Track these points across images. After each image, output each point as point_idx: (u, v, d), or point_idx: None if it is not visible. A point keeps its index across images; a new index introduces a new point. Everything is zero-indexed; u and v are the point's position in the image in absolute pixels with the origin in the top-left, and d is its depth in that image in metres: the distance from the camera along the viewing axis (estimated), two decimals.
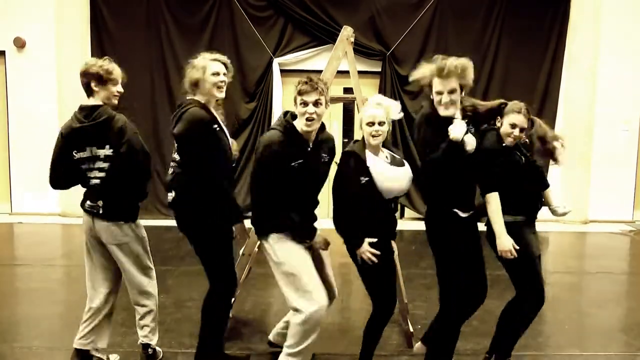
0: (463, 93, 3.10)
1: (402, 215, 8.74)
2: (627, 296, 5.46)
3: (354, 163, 3.07)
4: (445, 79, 3.01)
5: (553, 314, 4.71)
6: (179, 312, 4.49)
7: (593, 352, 3.96)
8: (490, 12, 8.61)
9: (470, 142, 2.97)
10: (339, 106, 8.77)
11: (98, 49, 8.33)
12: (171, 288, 5.16)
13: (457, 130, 2.94)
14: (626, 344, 4.12)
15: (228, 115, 3.43)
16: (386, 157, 3.19)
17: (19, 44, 8.34)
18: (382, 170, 3.06)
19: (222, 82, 3.16)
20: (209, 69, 3.13)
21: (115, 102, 3.20)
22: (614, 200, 8.88)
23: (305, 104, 3.02)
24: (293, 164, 3.04)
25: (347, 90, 7.99)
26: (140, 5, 8.41)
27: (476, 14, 8.60)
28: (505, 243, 3.10)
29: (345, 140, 8.98)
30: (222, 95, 3.19)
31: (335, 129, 8.85)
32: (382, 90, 8.57)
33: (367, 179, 3.02)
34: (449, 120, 3.02)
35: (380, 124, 3.08)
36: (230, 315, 4.27)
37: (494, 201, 3.12)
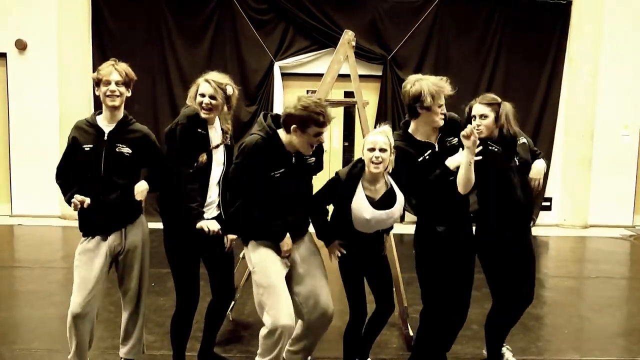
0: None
1: (402, 220, 8.73)
2: (627, 301, 5.46)
3: (342, 187, 3.04)
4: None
5: (553, 318, 4.71)
6: None
7: (592, 356, 3.95)
8: (491, 16, 8.62)
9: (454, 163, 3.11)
10: (340, 110, 8.77)
11: (99, 52, 8.34)
12: (171, 290, 5.11)
13: (456, 160, 3.09)
14: (626, 348, 4.12)
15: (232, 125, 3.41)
16: (385, 187, 3.11)
17: (21, 46, 8.35)
18: (364, 212, 2.98)
19: (205, 104, 3.11)
20: (199, 89, 3.16)
21: (110, 103, 3.04)
22: (614, 205, 8.87)
23: (319, 134, 2.94)
24: (273, 173, 2.95)
25: (348, 94, 8.01)
26: (142, 8, 8.42)
27: (477, 19, 8.61)
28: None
29: (346, 144, 9.00)
30: (207, 116, 3.13)
31: (335, 133, 8.87)
32: (383, 94, 8.59)
33: (346, 205, 3.02)
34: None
35: (382, 150, 3.00)
36: (230, 318, 4.30)
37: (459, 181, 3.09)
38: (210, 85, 3.14)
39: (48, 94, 8.27)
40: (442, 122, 3.17)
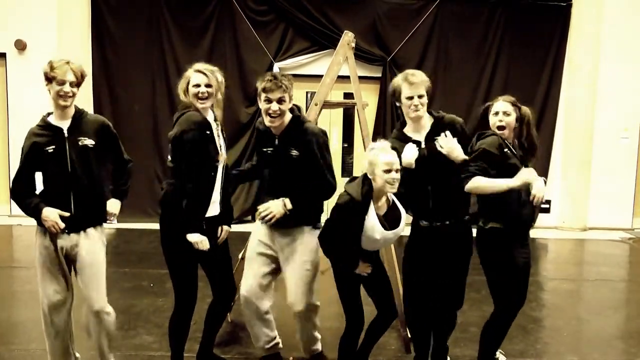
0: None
1: None
2: (625, 304, 5.46)
3: (352, 212, 3.00)
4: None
5: (552, 320, 4.71)
6: None
7: (591, 359, 3.95)
8: (491, 18, 8.63)
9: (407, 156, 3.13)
10: (339, 111, 8.78)
11: (99, 52, 8.34)
12: (170, 291, 5.11)
13: (408, 155, 3.14)
14: (624, 351, 4.12)
15: (226, 122, 3.47)
16: (387, 202, 3.11)
17: (20, 46, 8.35)
18: (372, 232, 2.99)
19: (202, 93, 3.16)
20: (191, 81, 3.20)
21: (62, 103, 3.04)
22: (613, 208, 8.87)
23: (269, 100, 3.13)
24: (265, 149, 3.31)
25: (348, 95, 8.00)
26: (142, 8, 8.41)
27: (477, 20, 8.62)
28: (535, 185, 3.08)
29: (345, 145, 8.99)
30: (204, 105, 3.18)
31: (334, 135, 8.87)
32: (383, 96, 8.59)
33: (358, 226, 3.00)
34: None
35: (397, 171, 2.98)
36: (229, 319, 4.29)
37: (478, 182, 3.07)
38: (204, 75, 3.17)
39: (47, 94, 8.22)
40: (415, 115, 3.20)
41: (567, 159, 8.79)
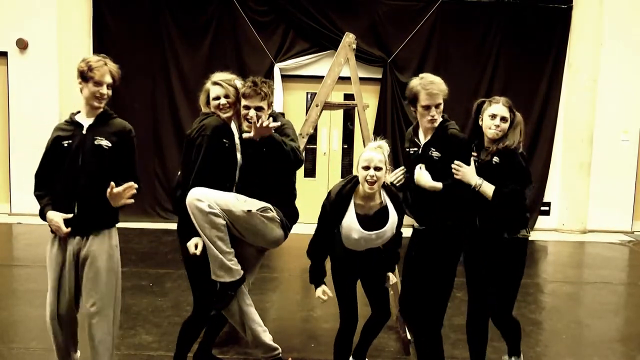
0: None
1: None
2: (625, 307, 5.46)
3: (330, 206, 3.01)
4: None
5: (551, 323, 4.71)
6: (177, 316, 4.48)
7: None
8: (491, 20, 8.64)
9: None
10: (340, 113, 8.79)
11: (100, 51, 8.20)
12: (169, 291, 5.16)
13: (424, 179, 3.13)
14: (624, 354, 4.12)
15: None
16: (379, 204, 3.05)
17: (22, 45, 8.36)
18: (352, 233, 2.97)
19: (223, 105, 3.21)
20: (210, 94, 3.26)
21: (97, 104, 2.97)
22: (613, 211, 8.88)
23: (247, 107, 3.12)
24: (225, 141, 3.16)
25: (348, 96, 8.02)
26: (143, 8, 8.43)
27: (477, 22, 8.63)
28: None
29: (345, 146, 9.00)
30: (227, 115, 3.23)
31: (335, 136, 8.88)
32: (383, 97, 8.60)
33: (335, 230, 3.02)
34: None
35: (377, 169, 2.91)
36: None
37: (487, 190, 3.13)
38: (221, 87, 3.23)
39: (48, 93, 8.28)
40: (430, 125, 3.18)
41: (567, 161, 8.80)
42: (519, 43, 8.63)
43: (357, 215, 2.99)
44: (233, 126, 3.29)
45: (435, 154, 3.15)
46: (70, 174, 2.90)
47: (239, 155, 3.25)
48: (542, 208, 8.89)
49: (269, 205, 3.15)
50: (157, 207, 8.35)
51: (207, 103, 3.29)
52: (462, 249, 3.24)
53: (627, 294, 5.87)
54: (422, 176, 3.15)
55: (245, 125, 3.17)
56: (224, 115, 3.21)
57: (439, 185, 3.12)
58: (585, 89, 8.61)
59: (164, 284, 5.31)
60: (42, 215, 2.95)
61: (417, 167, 3.19)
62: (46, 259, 3.05)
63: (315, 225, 3.14)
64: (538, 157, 8.75)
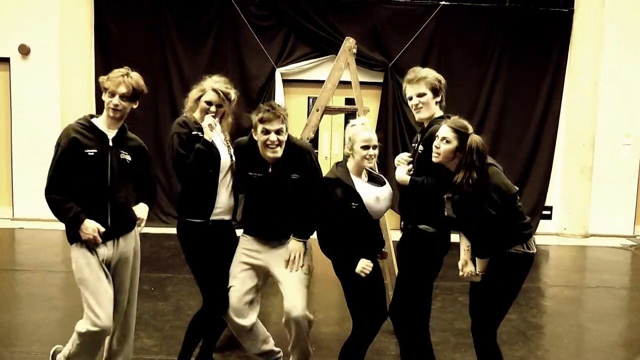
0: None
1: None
2: (627, 311, 5.45)
3: (342, 192, 3.02)
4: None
5: (552, 327, 4.70)
6: (178, 319, 4.49)
7: None
8: (492, 24, 8.65)
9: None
10: (341, 117, 8.79)
11: (101, 56, 8.38)
12: (170, 295, 5.16)
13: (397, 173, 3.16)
14: (626, 359, 4.10)
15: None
16: (365, 175, 3.19)
17: (24, 51, 8.40)
18: (371, 194, 3.07)
19: (212, 112, 3.24)
20: (205, 96, 3.27)
21: (111, 114, 2.98)
22: (615, 215, 8.87)
23: (267, 132, 3.09)
24: (252, 174, 3.18)
25: (349, 101, 8.04)
26: (144, 13, 8.46)
27: (479, 26, 8.64)
28: None
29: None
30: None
31: (335, 140, 8.89)
32: (384, 102, 8.61)
33: (357, 204, 3.03)
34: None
35: (374, 147, 3.07)
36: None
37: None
38: (217, 96, 3.24)
39: (50, 98, 8.29)
40: (417, 117, 3.18)
41: (568, 165, 8.79)
42: (520, 47, 8.63)
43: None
44: (218, 128, 3.27)
45: (420, 148, 3.11)
46: (100, 185, 2.96)
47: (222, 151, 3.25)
48: (544, 212, 8.88)
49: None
50: (158, 212, 8.37)
51: (197, 100, 3.31)
52: (438, 253, 3.13)
53: (629, 298, 5.86)
54: (397, 170, 3.18)
55: (270, 152, 3.12)
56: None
57: (407, 178, 3.09)
58: (586, 93, 8.60)
59: (165, 288, 5.32)
60: (77, 222, 2.89)
61: (395, 160, 3.24)
62: (81, 271, 2.94)
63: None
64: (539, 161, 8.73)
